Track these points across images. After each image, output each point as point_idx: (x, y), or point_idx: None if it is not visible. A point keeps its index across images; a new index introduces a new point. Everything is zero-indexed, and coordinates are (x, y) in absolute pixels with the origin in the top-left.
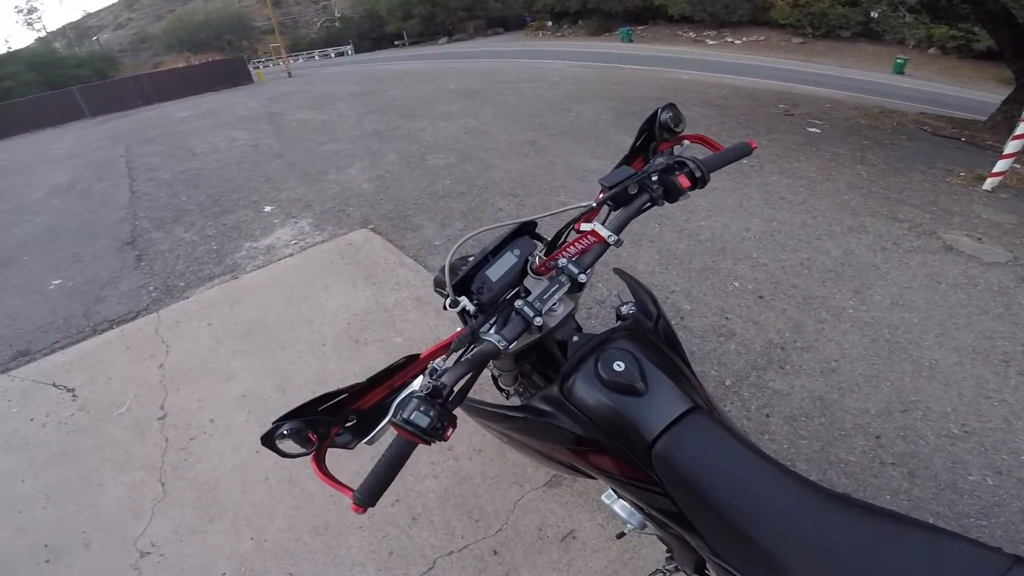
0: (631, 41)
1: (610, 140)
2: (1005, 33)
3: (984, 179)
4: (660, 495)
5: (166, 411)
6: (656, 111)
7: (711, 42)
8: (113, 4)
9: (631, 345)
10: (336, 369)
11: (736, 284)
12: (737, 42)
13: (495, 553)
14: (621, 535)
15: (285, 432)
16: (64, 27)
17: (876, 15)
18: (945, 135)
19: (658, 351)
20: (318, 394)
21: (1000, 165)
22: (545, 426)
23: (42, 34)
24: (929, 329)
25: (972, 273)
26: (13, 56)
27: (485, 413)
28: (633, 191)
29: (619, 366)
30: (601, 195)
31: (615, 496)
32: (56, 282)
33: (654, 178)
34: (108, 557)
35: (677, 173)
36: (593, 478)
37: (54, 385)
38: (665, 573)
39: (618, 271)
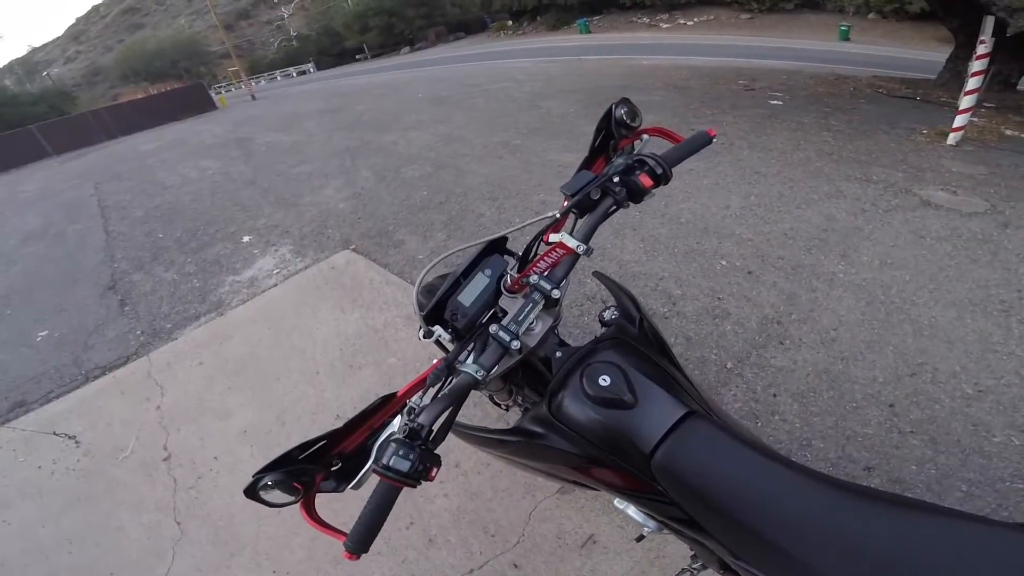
0: (589, 32)
1: (581, 132)
2: None
3: (947, 135)
4: (667, 504)
5: (170, 451)
6: (610, 108)
7: (665, 26)
8: (58, 38)
9: (615, 356)
10: (333, 396)
11: (724, 263)
12: (689, 23)
13: (516, 567)
14: (640, 538)
15: (269, 483)
16: (11, 63)
17: None
18: (901, 96)
19: (644, 358)
20: (296, 444)
21: (959, 120)
22: (540, 448)
23: None
24: (922, 285)
25: (954, 224)
26: None
27: (478, 439)
28: (596, 196)
29: (604, 380)
30: (565, 203)
31: (626, 501)
32: (43, 333)
33: (616, 180)
34: None
35: (638, 172)
36: (599, 490)
37: (55, 433)
38: (692, 572)
39: (597, 274)
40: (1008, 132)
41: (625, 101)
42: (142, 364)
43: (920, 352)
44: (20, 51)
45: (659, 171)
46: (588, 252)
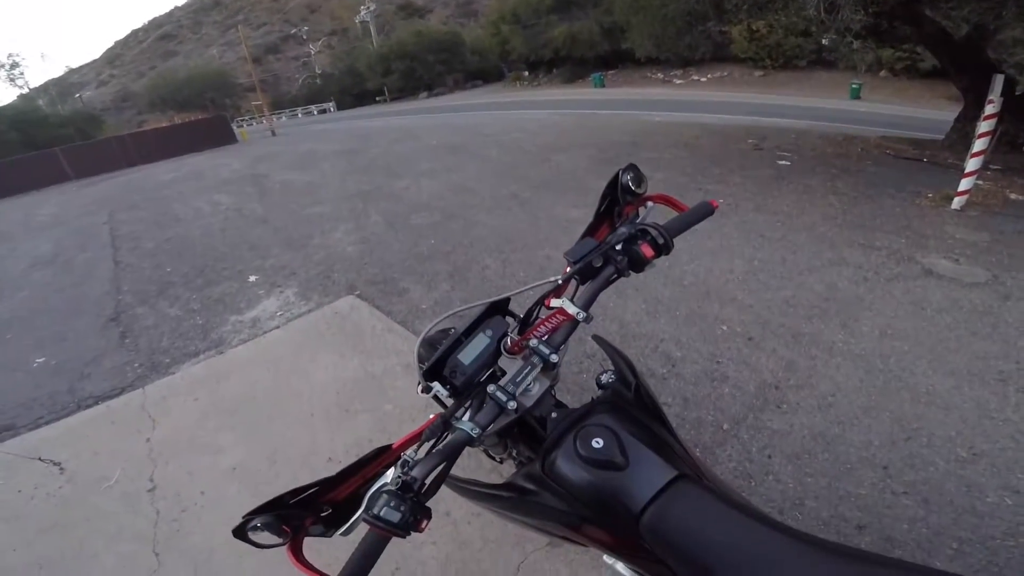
0: (604, 86)
1: (589, 188)
2: (945, 52)
3: (951, 199)
4: (657, 563)
5: (155, 483)
6: (617, 173)
7: (678, 81)
8: (95, 60)
9: (609, 420)
10: (326, 440)
11: (724, 328)
12: (703, 79)
13: None
14: None
15: (258, 525)
16: (47, 83)
17: (827, 42)
18: (908, 157)
19: (637, 422)
20: (288, 489)
21: (964, 184)
22: (531, 504)
23: (24, 91)
24: (921, 356)
25: (955, 296)
26: None
27: (471, 492)
28: (598, 264)
29: (598, 443)
30: (567, 270)
31: (615, 558)
32: (40, 360)
33: (618, 248)
34: None
35: (640, 242)
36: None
37: (40, 459)
38: None
39: (596, 338)
40: (1013, 196)
41: (632, 167)
42: (136, 396)
43: (916, 418)
44: (58, 71)
45: (661, 241)
46: (588, 319)
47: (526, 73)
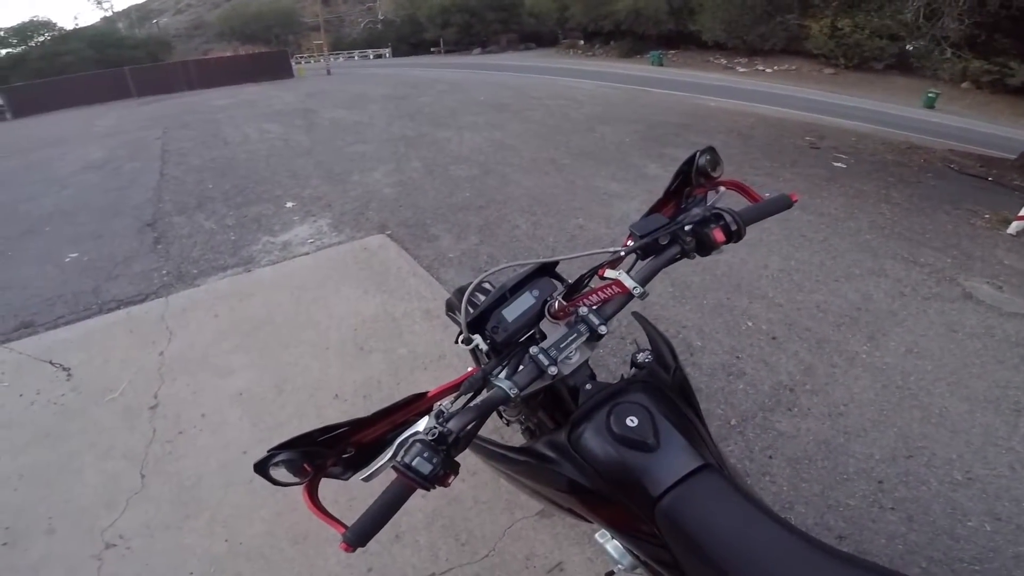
0: (662, 65)
1: (632, 164)
2: None
3: (1009, 222)
4: (659, 547)
5: (159, 400)
6: (694, 154)
7: (742, 69)
8: None
9: (645, 399)
10: (336, 375)
11: (750, 323)
12: (768, 70)
13: None
14: (610, 574)
15: (281, 460)
16: (129, 8)
17: (912, 48)
18: (972, 174)
19: (672, 406)
20: (318, 425)
21: None
22: (548, 472)
23: (109, 14)
24: (942, 377)
25: (990, 323)
26: (77, 33)
27: (485, 451)
28: (664, 241)
29: (632, 421)
30: (630, 242)
31: (609, 536)
32: (72, 255)
33: (687, 228)
34: (71, 546)
35: (712, 226)
36: (590, 522)
37: (51, 363)
38: None
39: (637, 315)
40: None
41: (710, 149)
42: (158, 305)
43: (922, 437)
44: None
45: (734, 228)
46: (643, 296)
47: (581, 42)
